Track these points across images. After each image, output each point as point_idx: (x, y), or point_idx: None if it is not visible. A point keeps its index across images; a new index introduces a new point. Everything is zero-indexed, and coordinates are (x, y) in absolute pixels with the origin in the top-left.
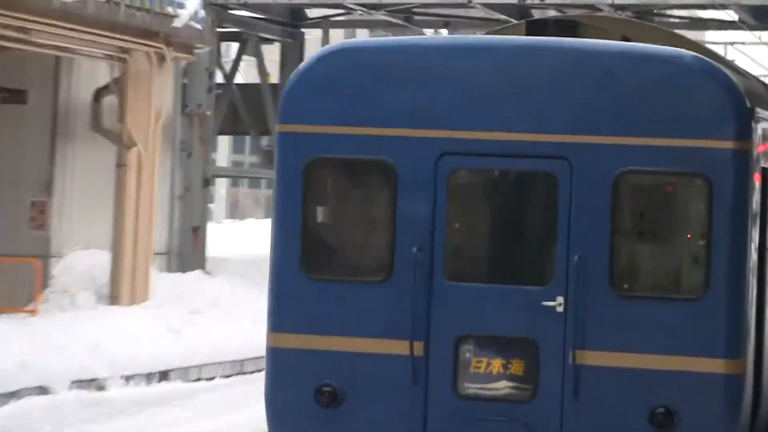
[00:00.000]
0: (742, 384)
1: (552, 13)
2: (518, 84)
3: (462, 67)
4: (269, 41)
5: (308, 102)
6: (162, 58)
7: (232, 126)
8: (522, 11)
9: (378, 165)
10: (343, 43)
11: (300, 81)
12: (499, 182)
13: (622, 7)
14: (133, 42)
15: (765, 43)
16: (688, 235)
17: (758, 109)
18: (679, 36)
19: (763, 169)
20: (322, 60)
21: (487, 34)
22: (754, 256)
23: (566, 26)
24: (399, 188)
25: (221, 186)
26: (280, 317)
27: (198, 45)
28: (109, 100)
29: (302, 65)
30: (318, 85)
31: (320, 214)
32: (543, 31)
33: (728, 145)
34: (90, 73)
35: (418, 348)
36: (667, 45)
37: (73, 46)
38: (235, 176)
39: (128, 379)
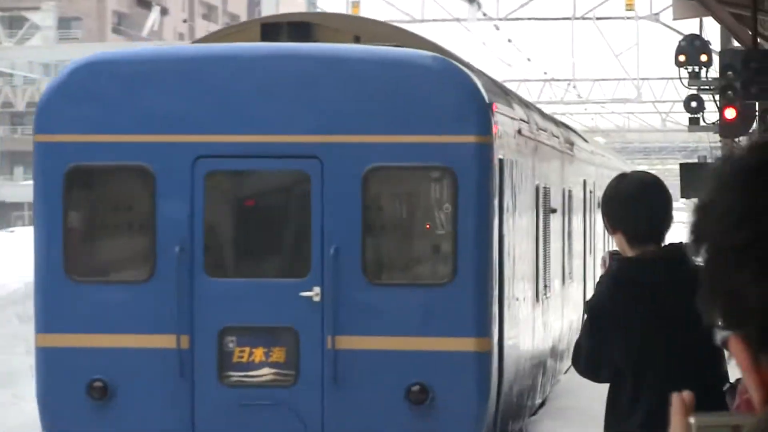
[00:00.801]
0: (489, 359)
1: None
2: (269, 90)
3: (213, 75)
4: None
5: (64, 112)
6: None
7: None
8: None
9: (136, 170)
10: (97, 55)
11: (55, 92)
12: (255, 182)
13: None
14: None
15: None
16: (431, 226)
17: (499, 105)
18: (408, 33)
19: (500, 160)
20: (76, 72)
21: (220, 34)
22: (496, 243)
23: (300, 28)
24: (157, 191)
25: None
26: (48, 319)
27: None
28: None
29: (56, 77)
30: (73, 96)
31: (82, 219)
32: (278, 33)
33: (471, 139)
34: None
35: (184, 341)
36: (400, 43)
37: None
38: None
39: None
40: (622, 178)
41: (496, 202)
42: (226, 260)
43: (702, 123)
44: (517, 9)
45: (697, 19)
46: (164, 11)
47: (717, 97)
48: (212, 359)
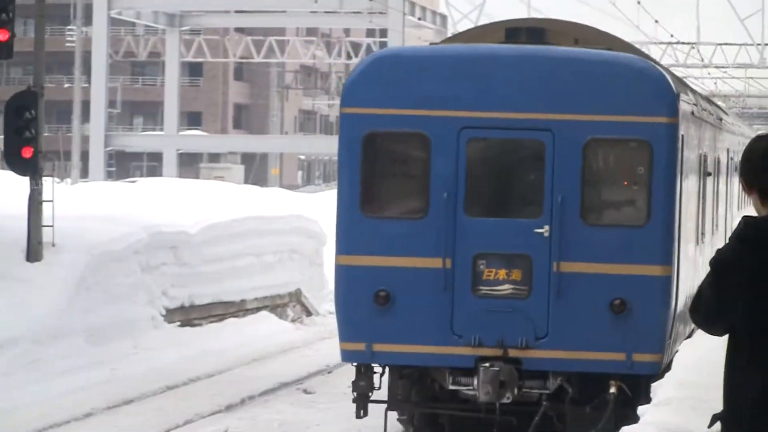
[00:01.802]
0: (671, 281)
1: None
2: (515, 79)
3: (475, 67)
4: None
5: (364, 91)
6: None
7: None
8: None
9: (416, 136)
10: (390, 49)
11: (358, 76)
12: (504, 147)
13: None
14: None
15: None
16: (628, 183)
17: (681, 94)
18: (613, 37)
19: (681, 135)
20: (374, 62)
21: (470, 33)
22: (678, 197)
23: (536, 32)
24: (432, 152)
25: None
26: (347, 244)
27: None
28: None
29: (359, 65)
30: (371, 80)
31: (374, 171)
32: (518, 36)
33: (663, 120)
34: None
35: (448, 263)
36: (608, 45)
37: None
38: None
39: None
40: (758, 138)
41: (678, 167)
42: (480, 204)
43: None
44: None
45: None
46: None
47: None
48: (468, 277)
